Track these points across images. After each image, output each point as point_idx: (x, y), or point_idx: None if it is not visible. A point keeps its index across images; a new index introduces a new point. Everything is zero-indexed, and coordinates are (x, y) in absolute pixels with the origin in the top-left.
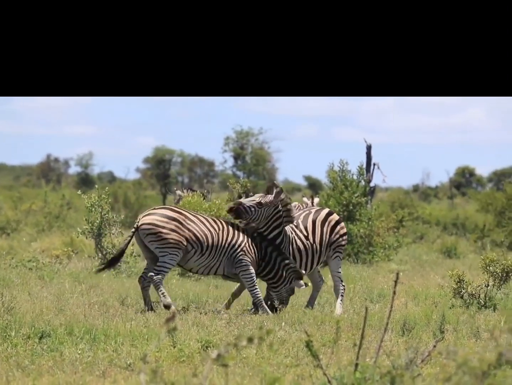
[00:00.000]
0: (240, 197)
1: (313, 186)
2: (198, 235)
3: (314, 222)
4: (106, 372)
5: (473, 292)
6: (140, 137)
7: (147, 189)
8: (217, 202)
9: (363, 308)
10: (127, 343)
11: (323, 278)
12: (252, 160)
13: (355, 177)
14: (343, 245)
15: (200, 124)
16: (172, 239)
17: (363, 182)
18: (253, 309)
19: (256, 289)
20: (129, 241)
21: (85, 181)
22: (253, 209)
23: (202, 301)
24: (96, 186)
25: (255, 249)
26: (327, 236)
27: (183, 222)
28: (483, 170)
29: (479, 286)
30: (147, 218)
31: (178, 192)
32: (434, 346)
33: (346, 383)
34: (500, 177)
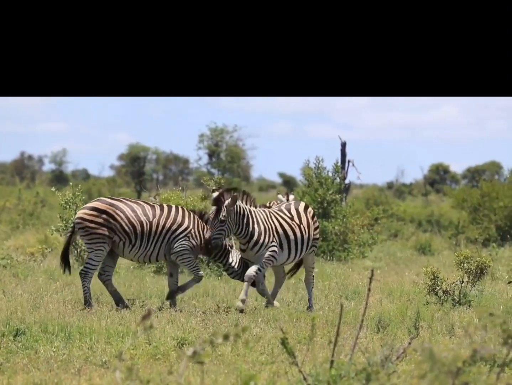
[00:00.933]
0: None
1: (288, 183)
2: (125, 226)
3: (297, 210)
4: (82, 370)
5: (448, 289)
6: (114, 134)
7: (121, 186)
8: (191, 199)
9: (338, 305)
10: (102, 340)
11: (286, 275)
12: (226, 157)
13: (330, 174)
14: (318, 239)
15: (174, 121)
16: (97, 234)
17: (338, 180)
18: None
19: (198, 270)
20: (70, 236)
21: (59, 178)
22: (219, 232)
23: (177, 298)
24: (71, 183)
25: (201, 234)
26: (312, 225)
27: (113, 214)
28: (457, 167)
29: (453, 282)
30: (79, 212)
31: None
32: (409, 343)
33: (322, 380)
34: (474, 174)
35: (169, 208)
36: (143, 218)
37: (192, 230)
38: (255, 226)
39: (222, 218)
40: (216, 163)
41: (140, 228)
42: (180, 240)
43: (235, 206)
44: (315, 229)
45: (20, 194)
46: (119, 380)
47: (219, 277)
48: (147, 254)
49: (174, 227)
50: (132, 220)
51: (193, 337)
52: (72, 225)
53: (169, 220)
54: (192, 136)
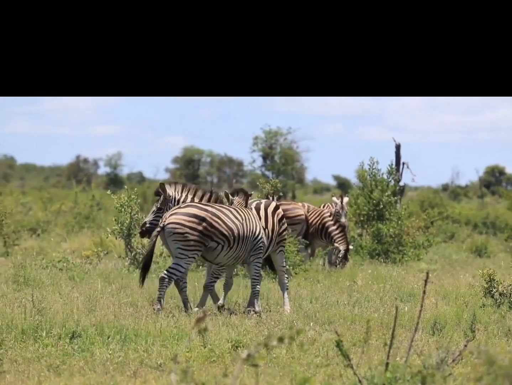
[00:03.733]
0: (267, 197)
1: (342, 185)
2: (224, 230)
3: (266, 210)
4: (137, 372)
5: (504, 291)
6: (169, 137)
7: None
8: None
9: (393, 307)
10: (158, 343)
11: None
12: (281, 160)
13: (385, 176)
14: (286, 240)
15: (228, 124)
16: (196, 241)
17: (392, 182)
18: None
19: (258, 279)
20: (155, 241)
21: (114, 182)
22: (155, 218)
23: (232, 301)
24: (126, 186)
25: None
26: (277, 226)
27: (211, 221)
28: None
29: (510, 285)
30: (174, 217)
31: None
32: (465, 346)
33: (377, 383)
34: None
35: (249, 210)
36: (236, 221)
37: (266, 230)
38: None
39: (158, 206)
40: (270, 166)
41: (236, 231)
42: (259, 242)
43: (170, 197)
44: (284, 230)
45: (76, 197)
46: (174, 382)
47: (273, 280)
48: (239, 255)
49: (258, 228)
50: (229, 224)
51: (248, 340)
52: (158, 229)
53: (252, 223)
54: (246, 138)
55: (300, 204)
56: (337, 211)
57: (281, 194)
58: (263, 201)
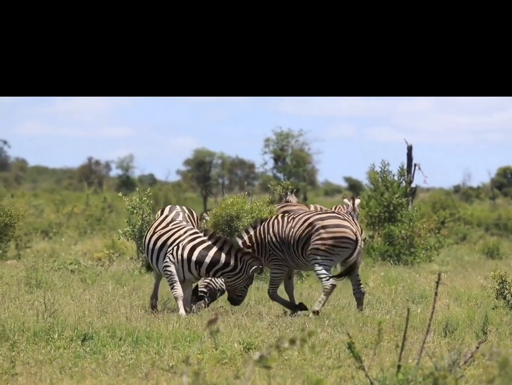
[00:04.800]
0: (280, 200)
1: (354, 187)
2: None
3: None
4: (149, 375)
5: None
6: (180, 139)
7: (187, 191)
8: (257, 204)
9: (405, 309)
10: (170, 345)
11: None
12: (292, 162)
13: (396, 178)
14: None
15: (240, 126)
16: None
17: (404, 183)
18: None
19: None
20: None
21: (126, 184)
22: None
23: (243, 303)
24: (137, 189)
25: None
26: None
27: None
28: None
29: None
30: (353, 229)
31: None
32: (477, 347)
33: (389, 384)
34: None
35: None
36: None
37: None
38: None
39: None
40: (281, 168)
41: None
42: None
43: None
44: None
45: (88, 199)
46: (186, 384)
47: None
48: None
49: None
50: None
51: (260, 342)
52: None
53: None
54: (257, 141)
55: (312, 205)
56: (348, 212)
57: (298, 187)
58: (184, 208)
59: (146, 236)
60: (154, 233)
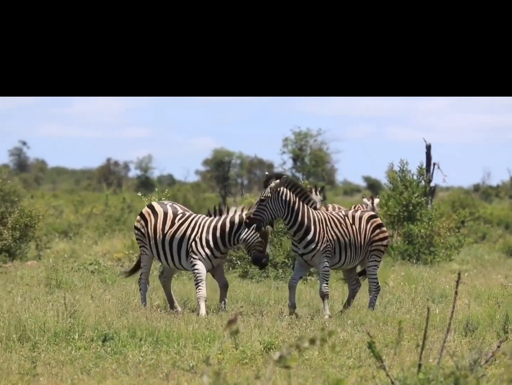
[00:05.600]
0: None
1: (373, 187)
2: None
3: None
4: (170, 375)
5: None
6: (199, 139)
7: (206, 191)
8: None
9: (425, 308)
10: (190, 345)
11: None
12: (311, 161)
13: (415, 177)
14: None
15: (258, 126)
16: None
17: (423, 182)
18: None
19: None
20: None
21: (145, 184)
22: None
23: (263, 302)
24: (156, 189)
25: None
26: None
27: None
28: None
29: None
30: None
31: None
32: (498, 347)
33: (410, 384)
34: None
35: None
36: None
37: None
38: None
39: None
40: (300, 168)
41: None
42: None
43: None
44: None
45: (107, 199)
46: (206, 384)
47: (304, 281)
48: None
49: None
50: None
51: (280, 341)
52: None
53: None
54: (276, 140)
55: (330, 205)
56: None
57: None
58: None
59: (154, 238)
60: (164, 233)
